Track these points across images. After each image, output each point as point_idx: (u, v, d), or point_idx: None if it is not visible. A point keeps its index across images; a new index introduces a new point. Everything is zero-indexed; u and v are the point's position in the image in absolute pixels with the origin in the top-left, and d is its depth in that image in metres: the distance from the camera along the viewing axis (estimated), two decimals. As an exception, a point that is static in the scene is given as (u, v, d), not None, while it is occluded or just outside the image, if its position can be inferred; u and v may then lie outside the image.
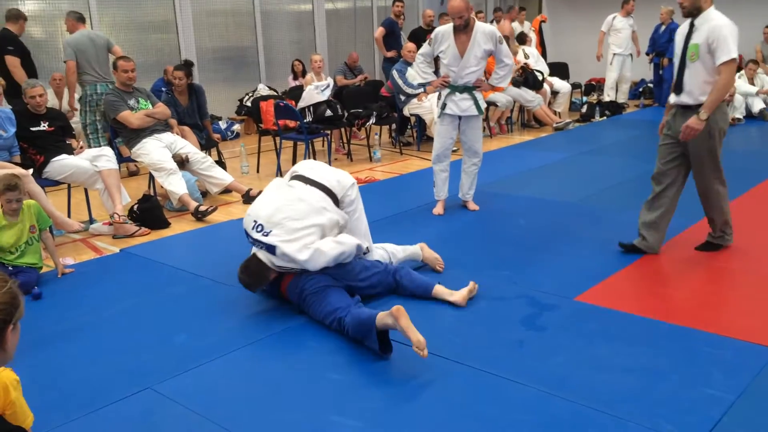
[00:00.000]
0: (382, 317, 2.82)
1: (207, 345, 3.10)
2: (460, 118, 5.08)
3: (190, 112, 6.34)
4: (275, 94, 8.82)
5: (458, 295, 3.42)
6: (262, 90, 9.43)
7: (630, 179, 6.06)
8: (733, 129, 8.33)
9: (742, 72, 8.95)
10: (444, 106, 5.05)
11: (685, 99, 3.78)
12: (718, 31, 3.61)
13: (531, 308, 3.38)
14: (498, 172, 6.51)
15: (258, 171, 7.10)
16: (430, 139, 7.99)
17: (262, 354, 3.03)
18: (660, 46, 9.94)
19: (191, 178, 5.75)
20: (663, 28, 9.92)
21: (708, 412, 2.41)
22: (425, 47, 5.09)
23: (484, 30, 4.86)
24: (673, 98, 3.88)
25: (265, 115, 7.26)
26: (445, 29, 4.95)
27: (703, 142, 3.76)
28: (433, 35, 5.00)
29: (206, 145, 6.40)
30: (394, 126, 8.30)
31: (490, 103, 8.69)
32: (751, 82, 8.77)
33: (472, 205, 5.24)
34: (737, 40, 3.61)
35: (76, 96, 6.84)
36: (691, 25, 3.75)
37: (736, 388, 2.55)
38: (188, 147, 5.76)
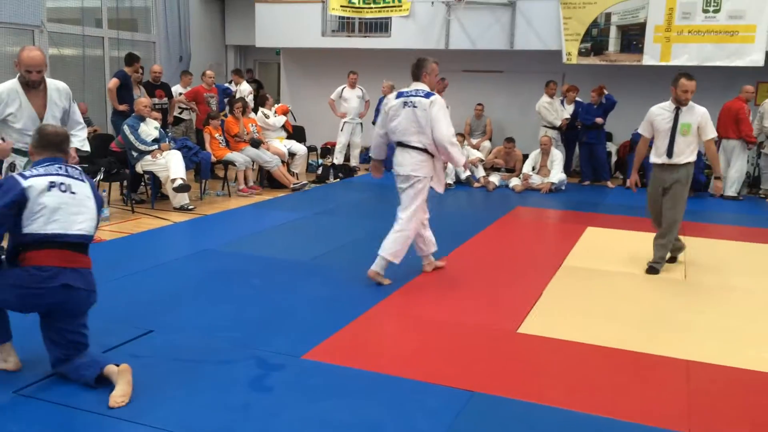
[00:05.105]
0: (113, 367, 3.06)
1: None
2: None
3: None
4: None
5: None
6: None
7: (359, 238, 6.49)
8: (446, 194, 9.39)
9: (453, 143, 10.20)
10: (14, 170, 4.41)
11: (675, 160, 5.27)
12: (706, 116, 5.25)
13: (259, 369, 3.42)
14: (235, 232, 6.53)
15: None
16: (165, 197, 7.76)
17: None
18: (384, 116, 10.93)
19: None
20: (385, 100, 10.93)
21: (415, 456, 2.64)
22: None
23: (58, 87, 4.48)
24: (663, 159, 5.30)
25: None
26: (8, 87, 4.34)
27: (684, 187, 5.31)
28: None
29: None
30: (125, 183, 7.89)
31: (229, 162, 8.74)
32: (460, 152, 10.03)
33: None
34: None
35: None
36: (677, 110, 5.25)
37: (440, 431, 2.85)
38: None
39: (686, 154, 5.26)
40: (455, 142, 4.83)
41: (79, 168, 3.36)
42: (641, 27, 10.08)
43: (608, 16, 10.28)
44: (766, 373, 3.58)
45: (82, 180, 3.25)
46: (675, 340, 4.01)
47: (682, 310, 4.60)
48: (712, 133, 5.28)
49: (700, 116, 5.23)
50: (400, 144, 4.91)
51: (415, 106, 4.76)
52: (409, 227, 4.88)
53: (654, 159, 5.41)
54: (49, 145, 3.24)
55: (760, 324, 4.38)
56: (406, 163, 4.88)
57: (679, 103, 5.27)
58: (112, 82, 8.65)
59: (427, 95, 4.76)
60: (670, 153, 5.27)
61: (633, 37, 10.17)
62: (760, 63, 9.57)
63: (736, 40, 9.66)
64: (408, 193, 4.90)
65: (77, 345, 3.14)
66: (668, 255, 5.54)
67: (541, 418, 3.03)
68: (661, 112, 5.36)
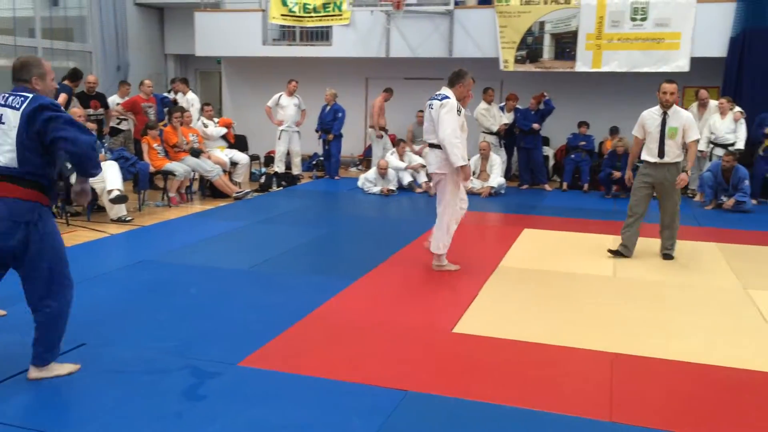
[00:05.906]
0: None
1: None
2: None
3: None
4: None
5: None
6: None
7: (300, 245, 6.51)
8: (389, 199, 9.49)
9: (395, 149, 10.32)
10: None
11: (666, 160, 5.82)
12: (690, 120, 5.84)
13: (193, 378, 3.41)
14: (174, 242, 6.45)
15: None
16: (102, 209, 7.61)
17: None
18: (326, 124, 10.96)
19: None
20: (328, 108, 10.99)
21: (346, 456, 2.68)
22: None
23: None
24: (655, 159, 5.83)
25: None
26: None
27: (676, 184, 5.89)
28: None
29: None
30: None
31: (168, 173, 8.62)
32: (401, 158, 10.16)
33: None
34: None
35: None
36: (665, 114, 5.78)
37: (372, 430, 2.90)
38: None
39: (676, 154, 5.86)
40: (455, 143, 5.12)
41: (26, 95, 3.15)
42: (573, 35, 10.42)
43: (542, 24, 10.59)
44: (687, 362, 3.76)
45: (16, 108, 3.12)
46: (602, 334, 4.17)
47: (610, 305, 4.78)
48: (695, 135, 5.87)
49: (684, 120, 5.82)
50: (428, 144, 5.48)
51: (431, 108, 5.27)
52: (443, 220, 5.42)
53: (646, 158, 5.95)
54: (12, 77, 3.25)
55: (686, 317, 4.59)
56: (433, 162, 5.42)
57: (663, 106, 5.81)
58: (62, 98, 8.45)
59: (442, 98, 5.22)
60: (661, 154, 5.85)
61: (566, 44, 10.51)
62: (686, 68, 10.01)
63: (662, 47, 10.08)
64: (438, 190, 5.50)
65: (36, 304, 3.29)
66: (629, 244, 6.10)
67: (470, 414, 3.12)
68: (651, 115, 5.92)
